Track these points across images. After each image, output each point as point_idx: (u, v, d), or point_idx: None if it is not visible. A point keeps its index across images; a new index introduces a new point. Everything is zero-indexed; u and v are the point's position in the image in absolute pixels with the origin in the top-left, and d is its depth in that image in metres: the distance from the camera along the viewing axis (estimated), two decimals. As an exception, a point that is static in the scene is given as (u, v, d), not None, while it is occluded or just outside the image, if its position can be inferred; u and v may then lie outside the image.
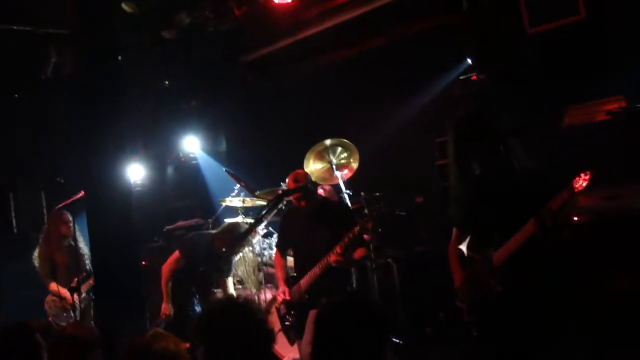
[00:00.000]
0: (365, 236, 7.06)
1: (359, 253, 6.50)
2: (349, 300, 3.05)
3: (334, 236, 6.21)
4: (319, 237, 6.42)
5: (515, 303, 4.25)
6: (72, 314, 7.50)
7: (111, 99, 5.49)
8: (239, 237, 7.16)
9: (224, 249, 7.26)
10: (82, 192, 6.43)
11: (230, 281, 7.74)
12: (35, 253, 7.83)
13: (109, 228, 5.10)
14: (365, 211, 6.92)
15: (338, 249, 6.10)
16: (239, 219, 8.49)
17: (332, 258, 6.13)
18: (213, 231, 7.75)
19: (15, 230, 9.53)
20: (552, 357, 4.19)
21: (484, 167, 4.40)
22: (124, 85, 6.04)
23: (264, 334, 3.25)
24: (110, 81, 5.54)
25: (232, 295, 7.27)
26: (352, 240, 6.12)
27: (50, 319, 7.55)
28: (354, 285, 7.28)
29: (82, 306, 7.45)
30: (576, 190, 4.06)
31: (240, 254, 8.26)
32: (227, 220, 8.14)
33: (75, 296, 7.25)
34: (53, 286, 7.62)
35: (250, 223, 7.75)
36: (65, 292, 7.45)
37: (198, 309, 7.47)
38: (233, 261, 7.72)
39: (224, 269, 7.58)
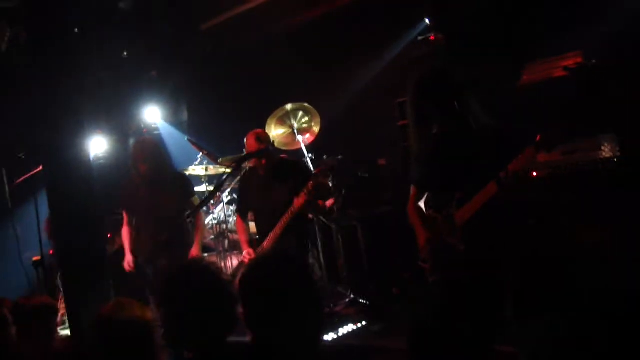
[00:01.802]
0: (328, 202, 7.14)
1: (320, 202, 6.62)
2: (270, 256, 3.07)
3: (292, 195, 6.28)
4: (278, 196, 6.49)
5: (479, 261, 4.30)
6: None
7: (67, 72, 5.43)
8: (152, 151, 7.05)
9: None
10: (41, 166, 6.36)
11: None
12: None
13: (70, 201, 5.07)
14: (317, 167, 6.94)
15: (296, 204, 6.19)
16: (203, 187, 8.49)
17: (296, 203, 6.21)
18: None
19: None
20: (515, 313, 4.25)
21: (442, 125, 4.42)
22: (80, 57, 5.97)
23: (227, 296, 3.26)
24: (66, 54, 5.47)
25: (195, 258, 7.24)
26: (309, 194, 6.21)
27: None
28: (319, 248, 7.34)
29: None
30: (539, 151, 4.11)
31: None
32: None
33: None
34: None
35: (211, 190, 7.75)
36: None
37: None
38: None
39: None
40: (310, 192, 6.19)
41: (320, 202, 6.67)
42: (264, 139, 6.62)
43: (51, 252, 7.35)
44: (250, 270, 3.06)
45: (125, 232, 7.12)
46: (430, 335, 2.39)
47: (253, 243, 6.79)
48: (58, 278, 7.21)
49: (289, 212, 6.33)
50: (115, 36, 10.09)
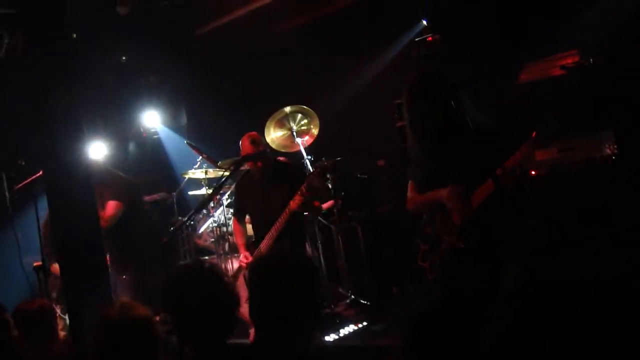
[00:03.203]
0: (327, 204, 7.18)
1: (316, 203, 6.65)
2: (277, 255, 3.12)
3: (288, 197, 6.30)
4: (274, 199, 6.52)
5: (478, 259, 4.31)
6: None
7: (66, 77, 5.44)
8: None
9: None
10: (41, 172, 6.38)
11: None
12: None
13: (70, 205, 5.09)
14: (311, 169, 6.97)
15: (292, 204, 6.21)
16: (203, 190, 8.51)
17: (292, 205, 6.23)
18: None
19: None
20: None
21: (438, 125, 4.43)
22: (79, 62, 5.99)
23: (228, 298, 3.29)
24: (64, 59, 5.49)
25: (198, 259, 7.30)
26: (303, 196, 6.24)
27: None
28: (319, 249, 7.36)
29: None
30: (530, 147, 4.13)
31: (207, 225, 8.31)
32: None
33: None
34: (54, 267, 7.39)
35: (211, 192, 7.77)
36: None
37: None
38: None
39: None
40: (304, 193, 6.21)
41: (316, 203, 6.68)
42: (259, 141, 6.67)
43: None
44: (260, 263, 3.11)
45: None
46: (427, 332, 2.40)
47: (250, 246, 6.81)
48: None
49: (285, 214, 6.36)
50: (114, 41, 10.12)
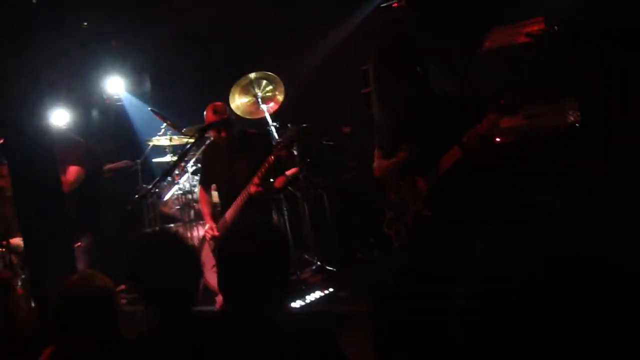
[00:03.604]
0: (294, 169, 7.16)
1: (279, 181, 6.62)
2: (246, 225, 3.10)
3: (254, 167, 6.29)
4: (240, 168, 6.49)
5: (443, 226, 4.33)
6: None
7: (27, 43, 5.34)
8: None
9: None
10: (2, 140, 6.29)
11: None
12: None
13: (32, 174, 5.02)
14: (278, 139, 6.95)
15: (256, 180, 6.19)
16: (167, 158, 8.45)
17: (251, 189, 6.22)
18: None
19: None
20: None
21: (403, 92, 4.42)
22: (40, 28, 5.89)
23: (193, 265, 3.29)
24: (25, 24, 5.39)
25: (162, 227, 7.29)
26: (269, 169, 6.21)
27: None
28: (285, 216, 7.36)
29: None
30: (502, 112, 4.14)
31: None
32: None
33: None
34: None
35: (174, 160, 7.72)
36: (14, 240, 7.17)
37: None
38: None
39: None
40: (267, 171, 6.22)
41: (277, 184, 6.68)
42: (222, 110, 6.62)
43: None
44: (228, 234, 3.09)
45: None
46: (392, 299, 2.40)
47: (216, 215, 6.80)
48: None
49: (250, 185, 6.34)
50: (76, 6, 9.96)
